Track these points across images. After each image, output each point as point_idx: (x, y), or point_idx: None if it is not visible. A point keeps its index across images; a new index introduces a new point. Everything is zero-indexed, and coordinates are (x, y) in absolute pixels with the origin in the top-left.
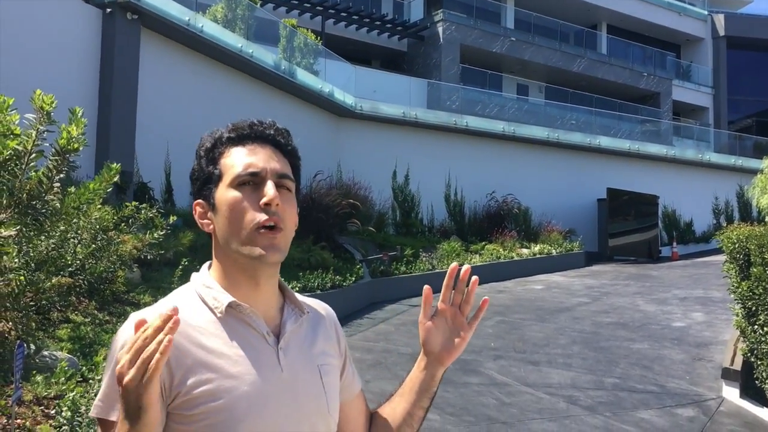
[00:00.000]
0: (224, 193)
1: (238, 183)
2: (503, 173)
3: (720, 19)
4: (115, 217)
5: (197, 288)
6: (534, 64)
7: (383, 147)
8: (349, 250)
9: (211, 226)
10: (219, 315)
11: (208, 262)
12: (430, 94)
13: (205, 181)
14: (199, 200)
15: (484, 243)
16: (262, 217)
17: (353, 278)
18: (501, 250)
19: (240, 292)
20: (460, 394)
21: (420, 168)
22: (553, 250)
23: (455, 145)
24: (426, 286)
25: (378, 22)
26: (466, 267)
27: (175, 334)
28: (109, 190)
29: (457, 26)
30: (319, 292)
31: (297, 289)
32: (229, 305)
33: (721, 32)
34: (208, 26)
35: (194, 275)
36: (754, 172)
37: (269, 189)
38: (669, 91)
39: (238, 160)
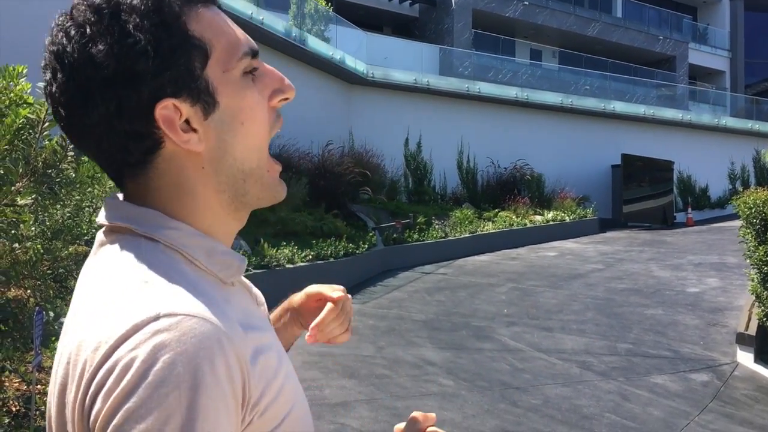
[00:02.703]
0: (234, 86)
1: (245, 70)
2: (516, 140)
3: None
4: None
5: (183, 248)
6: (548, 28)
7: (395, 114)
8: (362, 218)
9: (199, 145)
10: (230, 284)
11: (138, 205)
12: (442, 60)
13: (171, 65)
14: (172, 98)
15: (497, 210)
16: (278, 119)
17: (366, 246)
18: (514, 217)
19: (227, 243)
20: (474, 360)
21: (432, 135)
22: (567, 217)
23: (467, 111)
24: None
25: None
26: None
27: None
28: None
29: None
30: (332, 259)
31: (311, 257)
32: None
33: None
34: None
35: (154, 228)
36: None
37: (280, 74)
38: (685, 54)
39: (225, 28)
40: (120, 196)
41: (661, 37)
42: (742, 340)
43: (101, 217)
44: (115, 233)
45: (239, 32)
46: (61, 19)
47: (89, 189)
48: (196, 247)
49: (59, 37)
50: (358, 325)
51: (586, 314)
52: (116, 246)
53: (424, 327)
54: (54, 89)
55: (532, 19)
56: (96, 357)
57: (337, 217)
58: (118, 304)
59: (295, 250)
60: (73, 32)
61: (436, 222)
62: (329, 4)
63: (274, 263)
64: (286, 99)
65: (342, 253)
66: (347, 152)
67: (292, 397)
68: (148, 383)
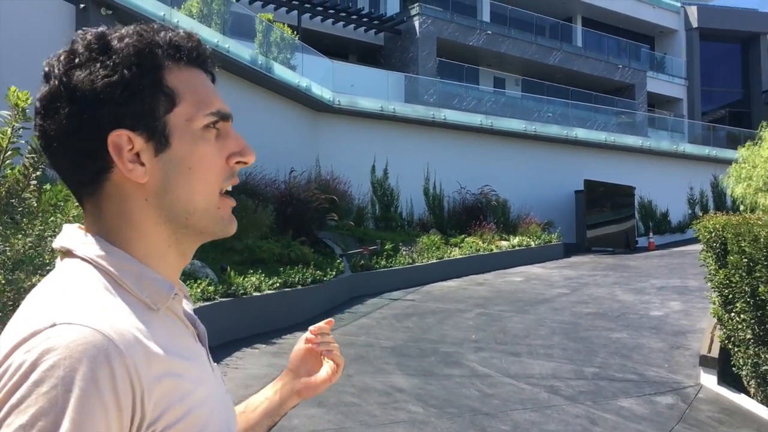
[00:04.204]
0: (192, 136)
1: (207, 124)
2: (481, 166)
3: (693, 11)
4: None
5: (113, 270)
6: (510, 57)
7: (362, 141)
8: (329, 244)
9: (144, 177)
10: (155, 309)
11: (81, 231)
12: (408, 87)
13: (136, 102)
14: (127, 130)
15: (463, 236)
16: (232, 177)
17: (334, 273)
18: (480, 242)
19: (164, 274)
20: (443, 386)
21: (398, 162)
22: (532, 242)
23: (433, 138)
24: (329, 320)
25: (354, 17)
26: (328, 320)
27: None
28: None
29: (433, 20)
30: (300, 287)
31: (278, 284)
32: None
33: (694, 24)
34: (184, 21)
35: (90, 250)
36: (727, 162)
37: (245, 143)
38: (644, 82)
39: (202, 88)
40: (71, 225)
41: (620, 66)
42: (705, 362)
43: (55, 241)
44: (65, 255)
45: (215, 98)
46: (63, 48)
47: (51, 218)
48: (126, 272)
49: (53, 59)
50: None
51: (553, 339)
52: (59, 267)
53: (393, 354)
54: (37, 100)
55: (495, 48)
56: None
57: (304, 244)
58: (30, 314)
59: (262, 278)
60: (64, 57)
61: (404, 248)
62: (295, 32)
63: (241, 291)
64: (244, 163)
65: (310, 280)
66: (314, 179)
67: (202, 425)
68: (30, 382)
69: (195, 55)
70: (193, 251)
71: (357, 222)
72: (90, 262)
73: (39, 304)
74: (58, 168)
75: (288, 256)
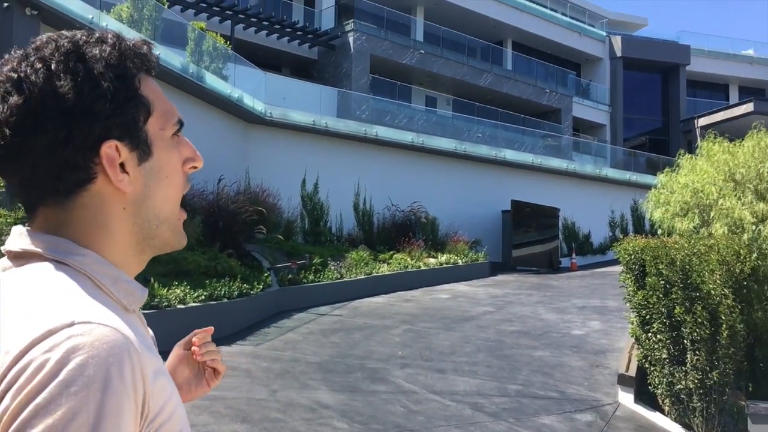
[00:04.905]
0: (166, 144)
1: (174, 132)
2: (412, 183)
3: (617, 41)
4: (11, 220)
5: (91, 272)
6: (442, 76)
7: (293, 155)
8: (257, 258)
9: (129, 186)
10: (131, 311)
11: (52, 236)
12: (341, 103)
13: (122, 112)
14: (117, 141)
15: (392, 252)
16: (187, 183)
17: (261, 286)
18: (409, 259)
19: None
20: (368, 402)
21: (330, 176)
22: (459, 260)
23: (365, 154)
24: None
25: (289, 29)
26: (208, 328)
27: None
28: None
29: (367, 37)
30: (226, 300)
31: (203, 297)
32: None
33: (618, 53)
34: (113, 25)
35: (64, 253)
36: (647, 187)
37: (194, 147)
38: (570, 107)
39: (164, 97)
40: (23, 228)
41: (547, 91)
42: (623, 381)
43: (6, 244)
44: (21, 258)
45: (171, 103)
46: (20, 52)
47: None
48: (103, 274)
49: (22, 66)
50: (251, 367)
51: (478, 356)
52: (24, 268)
53: (319, 369)
54: (2, 110)
55: (427, 68)
56: (6, 359)
57: (231, 257)
58: (30, 314)
59: (187, 291)
60: (38, 65)
61: (332, 263)
62: (228, 42)
63: (165, 303)
64: (195, 167)
65: (236, 293)
66: (243, 191)
67: (181, 424)
68: (59, 381)
69: (154, 64)
70: (146, 263)
71: (286, 236)
72: (66, 264)
73: (38, 301)
74: (22, 180)
75: (215, 269)
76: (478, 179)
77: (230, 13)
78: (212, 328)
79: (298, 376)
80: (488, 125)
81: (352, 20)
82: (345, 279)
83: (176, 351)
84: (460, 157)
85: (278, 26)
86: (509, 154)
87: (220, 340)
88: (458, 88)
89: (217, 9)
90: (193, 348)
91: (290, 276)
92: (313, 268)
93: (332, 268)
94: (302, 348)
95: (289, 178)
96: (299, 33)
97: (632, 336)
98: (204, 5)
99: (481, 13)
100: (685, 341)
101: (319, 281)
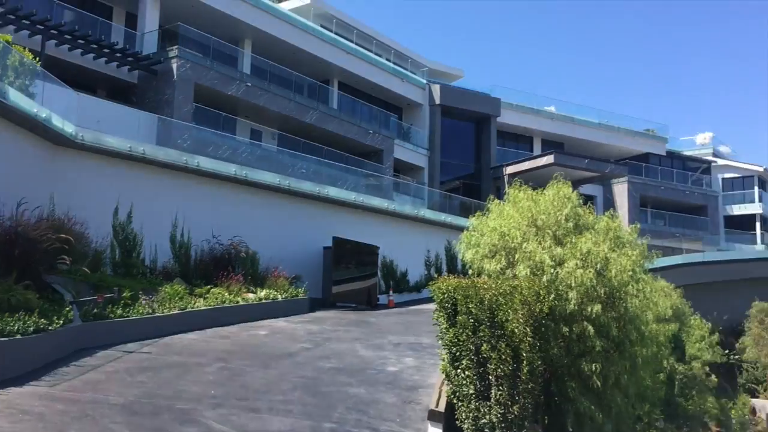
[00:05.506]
0: None
1: None
2: (234, 216)
3: (436, 89)
4: None
5: None
6: (268, 110)
7: (106, 181)
8: (59, 290)
9: None
10: None
11: None
12: (161, 130)
13: None
14: None
15: (209, 286)
16: None
17: (61, 321)
18: (227, 294)
19: None
20: None
21: (146, 206)
22: (279, 296)
23: (185, 184)
24: None
25: (107, 50)
26: None
27: None
28: None
29: (192, 65)
30: (19, 336)
31: None
32: None
33: (437, 101)
34: None
35: None
36: (460, 228)
37: None
38: (391, 149)
39: None
40: None
41: (371, 131)
42: (432, 416)
43: None
44: None
45: None
46: None
47: None
48: None
49: None
50: (44, 411)
51: (294, 394)
52: None
53: (123, 411)
54: None
55: (254, 100)
56: None
57: (29, 289)
58: None
59: None
60: None
61: (144, 297)
62: (37, 58)
63: None
64: None
65: (32, 329)
66: (47, 218)
67: None
68: None
69: None
70: None
71: (94, 267)
72: None
73: None
74: None
75: (8, 302)
76: (301, 215)
77: (41, 27)
78: None
79: (98, 419)
80: (313, 161)
81: (176, 46)
82: (157, 314)
83: None
84: (284, 192)
85: (95, 45)
86: (332, 192)
87: (10, 381)
88: (284, 123)
89: (27, 22)
90: None
91: (96, 310)
92: (122, 302)
93: (144, 302)
94: (105, 388)
95: (101, 205)
96: (118, 55)
97: (443, 372)
98: (12, 17)
99: (309, 51)
100: (491, 377)
101: (128, 316)
